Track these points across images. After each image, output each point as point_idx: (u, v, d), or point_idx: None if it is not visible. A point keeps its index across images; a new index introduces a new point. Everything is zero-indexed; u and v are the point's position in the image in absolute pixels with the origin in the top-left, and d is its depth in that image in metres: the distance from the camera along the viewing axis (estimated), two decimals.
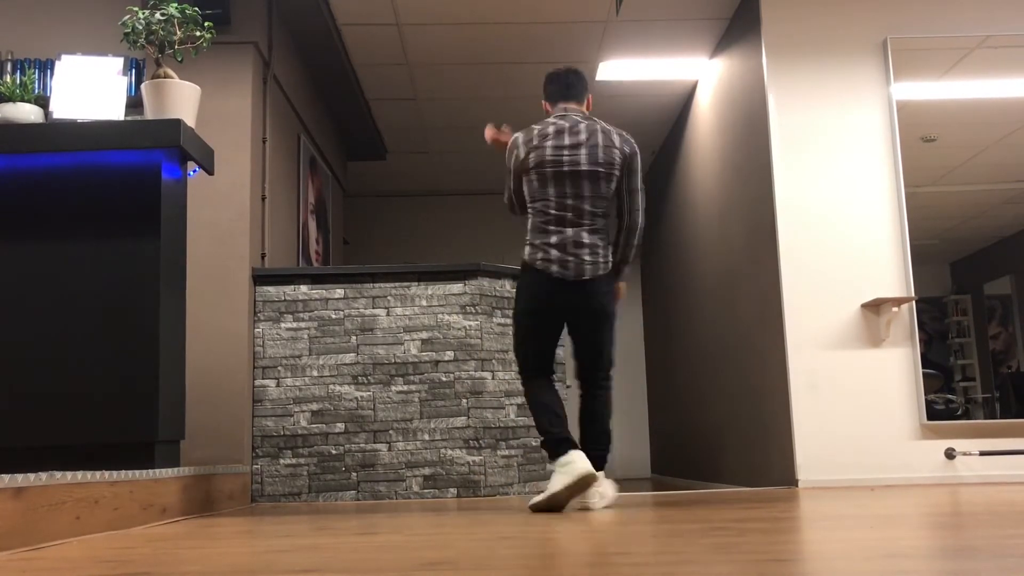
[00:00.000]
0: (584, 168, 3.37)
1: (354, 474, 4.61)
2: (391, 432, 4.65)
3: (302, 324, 4.71)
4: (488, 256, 8.52)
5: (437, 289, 4.76)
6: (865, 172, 4.82)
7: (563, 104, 3.56)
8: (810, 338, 4.67)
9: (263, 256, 4.86)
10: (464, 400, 4.64)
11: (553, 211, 3.39)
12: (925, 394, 4.60)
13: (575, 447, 3.22)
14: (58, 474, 2.53)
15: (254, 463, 4.60)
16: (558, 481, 3.16)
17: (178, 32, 3.52)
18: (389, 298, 4.76)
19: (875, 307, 4.68)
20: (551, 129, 3.44)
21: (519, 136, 3.51)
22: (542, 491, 3.22)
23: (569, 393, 7.20)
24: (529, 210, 3.44)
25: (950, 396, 4.68)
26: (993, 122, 4.89)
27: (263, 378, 4.66)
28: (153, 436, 3.29)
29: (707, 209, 6.32)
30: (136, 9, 3.54)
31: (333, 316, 4.72)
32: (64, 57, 3.54)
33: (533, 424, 4.76)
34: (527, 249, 3.42)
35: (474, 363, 4.67)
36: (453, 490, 4.59)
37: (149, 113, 3.48)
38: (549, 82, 3.62)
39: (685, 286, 7.05)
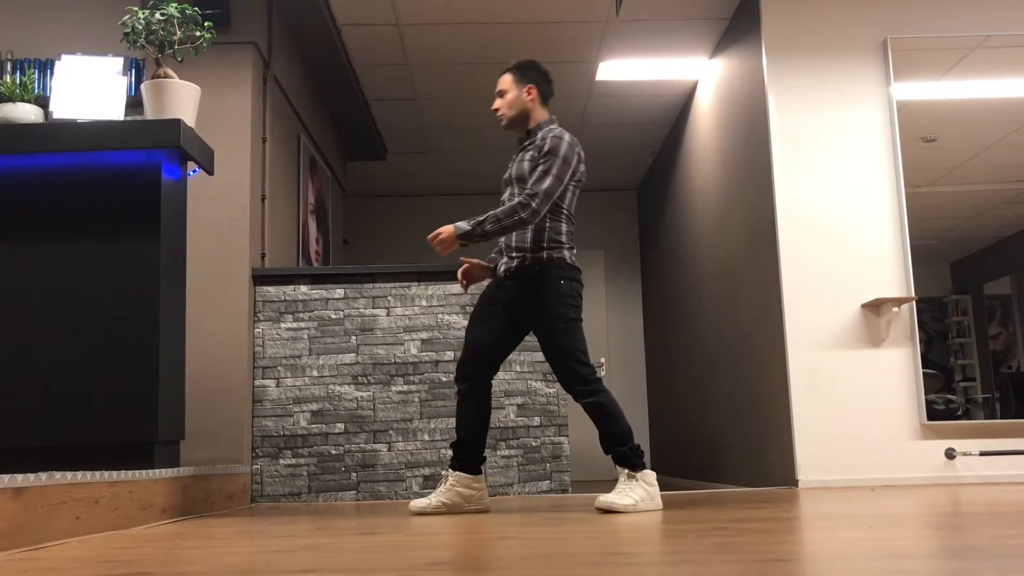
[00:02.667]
0: None
1: (354, 474, 4.61)
2: (391, 432, 4.65)
3: (302, 324, 4.71)
4: (488, 256, 8.52)
5: (437, 289, 4.76)
6: (865, 172, 4.82)
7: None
8: (810, 338, 4.67)
9: (263, 256, 4.86)
10: None
11: (573, 222, 3.47)
12: (925, 394, 4.60)
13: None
14: (58, 474, 2.53)
15: (254, 463, 4.60)
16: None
17: (178, 32, 3.52)
18: (389, 298, 4.76)
19: (875, 307, 4.68)
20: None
21: (575, 141, 3.40)
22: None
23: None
24: (563, 215, 3.39)
25: (950, 396, 4.68)
26: (993, 122, 4.89)
27: (263, 378, 4.66)
28: (153, 436, 3.28)
29: (707, 209, 6.32)
30: (136, 9, 3.53)
31: (333, 316, 4.72)
32: (64, 57, 3.54)
33: (533, 424, 4.76)
34: (567, 253, 3.38)
35: None
36: None
37: (149, 113, 3.47)
38: (548, 81, 3.54)
39: (685, 286, 7.05)
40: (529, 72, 3.47)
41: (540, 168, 3.30)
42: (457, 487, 3.36)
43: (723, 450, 5.93)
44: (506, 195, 3.47)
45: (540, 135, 3.41)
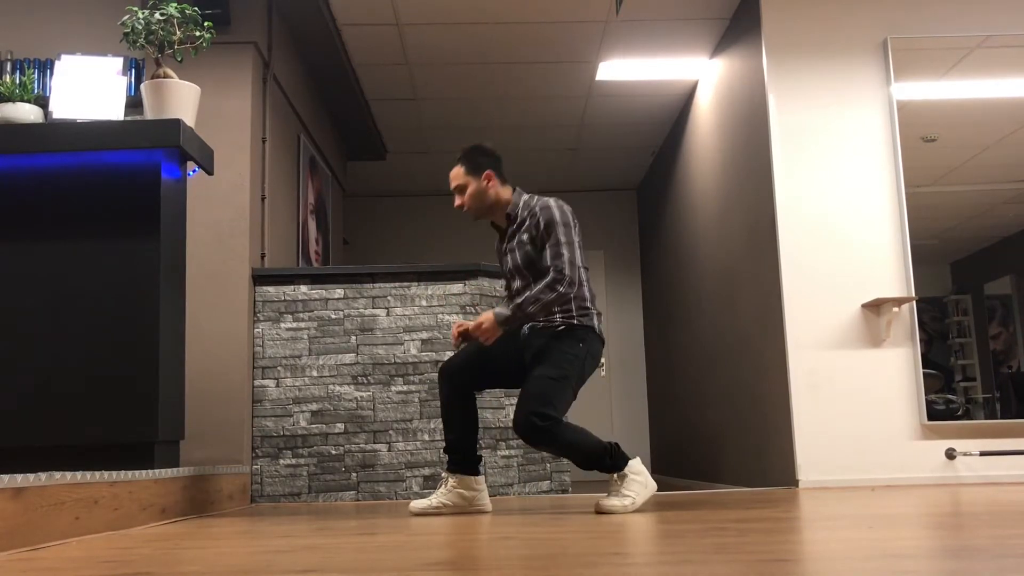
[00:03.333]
0: None
1: (354, 474, 4.61)
2: (391, 432, 4.65)
3: (302, 324, 4.71)
4: (488, 256, 8.52)
5: (437, 289, 4.76)
6: (865, 172, 4.82)
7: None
8: (810, 338, 4.67)
9: (263, 256, 4.86)
10: None
11: (589, 277, 3.41)
12: (925, 394, 4.59)
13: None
14: (58, 474, 2.53)
15: (254, 463, 4.60)
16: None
17: (178, 32, 3.52)
18: (389, 298, 4.75)
19: (875, 307, 4.68)
20: None
21: (561, 201, 3.34)
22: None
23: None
24: (582, 276, 3.33)
25: (950, 396, 4.68)
26: (993, 122, 4.89)
27: (263, 378, 4.66)
28: (153, 436, 3.28)
29: (707, 209, 6.32)
30: (136, 9, 3.53)
31: (333, 316, 4.72)
32: (64, 57, 3.54)
33: None
34: (596, 321, 3.33)
35: None
36: None
37: (149, 113, 3.47)
38: (499, 159, 3.43)
39: (685, 286, 7.05)
40: (479, 159, 3.38)
41: (550, 245, 3.23)
42: (458, 488, 3.36)
43: (723, 450, 5.93)
44: (518, 284, 3.37)
45: (524, 213, 3.34)
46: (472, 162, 3.38)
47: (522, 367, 3.33)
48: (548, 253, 3.24)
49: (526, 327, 3.36)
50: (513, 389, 3.50)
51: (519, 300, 3.22)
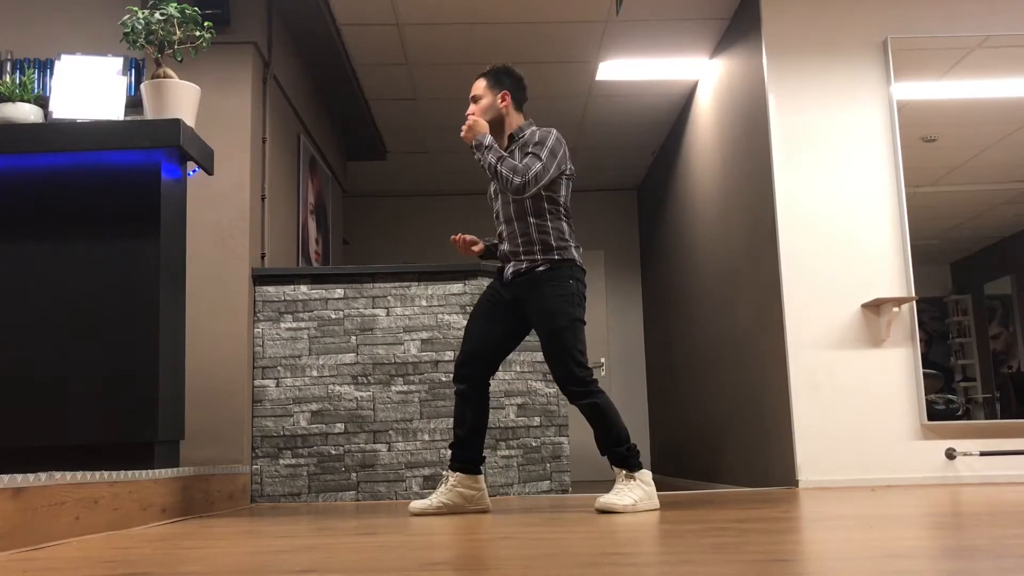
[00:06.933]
0: None
1: (354, 474, 4.61)
2: (391, 432, 4.65)
3: (302, 324, 4.71)
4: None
5: (437, 289, 4.76)
6: (865, 172, 4.82)
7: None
8: (810, 338, 4.67)
9: (263, 256, 4.86)
10: None
11: (571, 217, 3.48)
12: (925, 394, 4.59)
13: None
14: (58, 474, 2.53)
15: (254, 463, 4.60)
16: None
17: (178, 32, 3.52)
18: (389, 298, 4.76)
19: (875, 307, 4.68)
20: None
21: (561, 136, 3.42)
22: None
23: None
24: (562, 213, 3.40)
25: (950, 396, 4.68)
26: (993, 122, 4.89)
27: (263, 378, 4.66)
28: (153, 436, 3.28)
29: (707, 209, 6.32)
30: (136, 9, 3.53)
31: (333, 316, 4.72)
32: (64, 57, 3.54)
33: (533, 424, 4.76)
34: (576, 253, 3.39)
35: None
36: None
37: (149, 113, 3.47)
38: (523, 87, 3.54)
39: (685, 286, 7.05)
40: (503, 78, 3.49)
41: (530, 153, 3.32)
42: (458, 487, 3.36)
43: (723, 450, 5.93)
44: (498, 206, 3.47)
45: (526, 137, 3.42)
46: (495, 78, 3.50)
47: (523, 321, 3.40)
48: (528, 158, 3.30)
49: (509, 272, 3.41)
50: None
51: (499, 153, 3.31)
